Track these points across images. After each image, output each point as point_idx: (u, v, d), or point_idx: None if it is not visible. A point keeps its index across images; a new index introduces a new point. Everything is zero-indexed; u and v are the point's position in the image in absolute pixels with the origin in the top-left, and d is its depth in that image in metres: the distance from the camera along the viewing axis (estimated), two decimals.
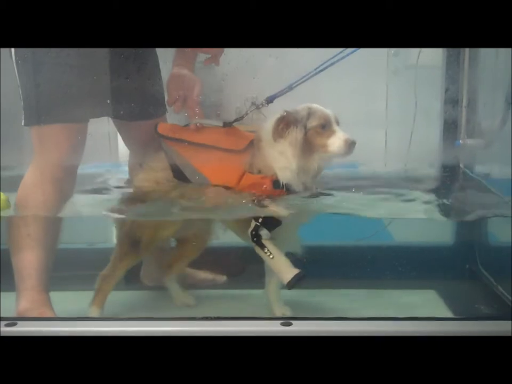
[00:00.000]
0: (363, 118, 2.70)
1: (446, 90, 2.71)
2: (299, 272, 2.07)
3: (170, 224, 2.32)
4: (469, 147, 2.71)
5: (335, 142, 2.08)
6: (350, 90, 2.70)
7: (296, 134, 2.10)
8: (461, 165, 2.73)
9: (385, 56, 2.86)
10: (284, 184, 2.12)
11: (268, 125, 2.16)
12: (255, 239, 2.13)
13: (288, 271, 2.08)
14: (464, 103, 2.67)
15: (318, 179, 2.19)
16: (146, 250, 2.34)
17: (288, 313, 2.27)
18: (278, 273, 2.12)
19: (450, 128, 2.75)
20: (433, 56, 2.81)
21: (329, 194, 2.23)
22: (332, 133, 2.10)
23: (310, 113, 2.12)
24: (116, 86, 2.21)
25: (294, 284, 2.06)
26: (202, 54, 2.34)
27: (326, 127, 2.10)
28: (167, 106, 2.36)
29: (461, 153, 2.74)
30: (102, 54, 2.16)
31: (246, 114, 2.24)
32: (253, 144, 2.18)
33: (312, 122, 2.10)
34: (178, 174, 2.19)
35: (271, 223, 2.13)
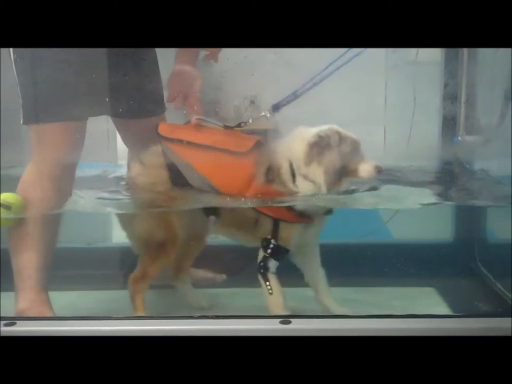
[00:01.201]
0: (362, 114, 2.70)
1: (445, 86, 2.71)
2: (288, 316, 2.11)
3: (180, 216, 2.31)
4: (468, 143, 2.70)
5: (366, 168, 2.10)
6: (348, 86, 2.70)
7: (333, 160, 2.09)
8: (461, 160, 2.73)
9: (384, 52, 2.86)
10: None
11: (292, 141, 2.15)
12: (261, 270, 2.17)
13: (279, 309, 2.17)
14: (463, 99, 2.67)
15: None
16: (174, 248, 2.31)
17: (350, 312, 2.26)
18: (269, 305, 2.18)
19: (449, 125, 2.74)
20: (432, 53, 2.80)
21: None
22: (361, 158, 2.12)
23: (341, 138, 2.12)
24: (114, 83, 2.21)
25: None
26: (202, 51, 2.33)
27: (355, 152, 2.12)
28: (166, 104, 2.36)
29: (460, 149, 2.74)
30: (100, 52, 2.15)
31: (250, 121, 2.23)
32: (258, 146, 2.16)
33: (345, 148, 2.10)
34: (176, 178, 2.18)
35: (280, 252, 2.17)
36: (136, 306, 2.28)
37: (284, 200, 2.13)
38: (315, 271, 2.33)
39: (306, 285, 2.33)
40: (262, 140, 2.21)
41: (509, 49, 2.27)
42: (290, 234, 2.19)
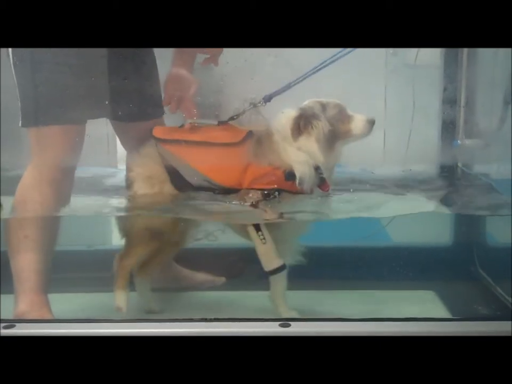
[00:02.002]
0: None
1: (444, 90, 2.71)
2: (283, 265, 2.16)
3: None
4: (467, 147, 2.71)
5: (358, 125, 2.15)
6: (348, 89, 2.70)
7: (321, 127, 2.12)
8: (460, 165, 2.73)
9: (384, 55, 2.86)
10: (296, 177, 2.13)
11: (281, 121, 2.18)
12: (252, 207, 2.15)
13: (274, 261, 2.15)
14: (463, 102, 2.67)
15: (332, 177, 2.21)
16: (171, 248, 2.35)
17: (296, 315, 2.25)
18: (263, 258, 2.16)
19: (448, 128, 2.74)
20: (431, 56, 2.81)
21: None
22: (350, 117, 2.16)
23: (323, 105, 2.16)
24: (113, 87, 2.21)
25: (275, 272, 2.15)
26: (201, 55, 2.33)
27: (342, 113, 2.16)
28: (165, 107, 2.36)
29: (460, 153, 2.74)
30: (99, 54, 2.15)
31: (243, 112, 2.24)
32: (250, 136, 2.17)
33: (330, 112, 2.15)
34: (176, 180, 2.19)
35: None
36: (118, 283, 2.29)
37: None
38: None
39: (305, 287, 2.33)
40: (254, 131, 2.21)
41: (508, 53, 2.28)
42: (290, 201, 2.19)
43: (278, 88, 2.28)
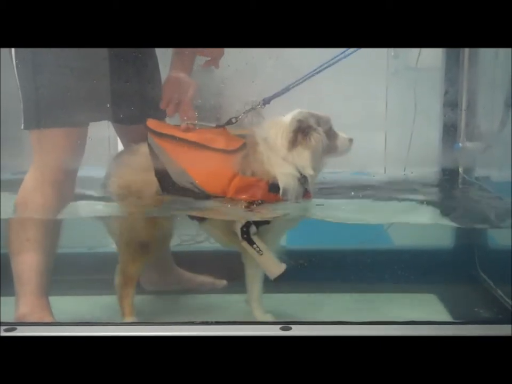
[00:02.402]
0: (363, 120, 2.70)
1: (446, 92, 2.71)
2: (284, 270, 2.15)
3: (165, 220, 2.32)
4: (469, 150, 2.70)
5: (343, 143, 2.19)
6: (349, 92, 2.70)
7: (319, 140, 2.12)
8: (461, 171, 2.73)
9: (385, 58, 2.86)
10: (280, 189, 2.11)
11: (268, 130, 2.15)
12: (245, 235, 2.15)
13: (277, 267, 2.15)
14: (464, 105, 2.67)
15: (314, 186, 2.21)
16: (158, 250, 2.33)
17: (271, 319, 2.26)
18: (265, 267, 2.17)
19: (449, 131, 2.74)
20: (432, 58, 2.81)
21: (321, 204, 2.26)
22: (336, 134, 2.19)
23: (317, 118, 2.15)
24: (115, 89, 2.21)
25: (279, 278, 2.15)
26: (201, 57, 2.33)
27: (330, 130, 2.17)
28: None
29: (461, 156, 2.74)
30: (101, 57, 2.15)
31: (242, 115, 2.24)
32: (245, 147, 2.16)
33: (324, 127, 2.15)
34: (161, 173, 2.17)
35: (261, 221, 2.16)
36: (125, 311, 2.28)
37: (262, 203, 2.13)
38: (258, 272, 2.29)
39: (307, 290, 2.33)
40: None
41: (509, 56, 2.28)
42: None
43: (278, 90, 2.28)
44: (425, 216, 2.31)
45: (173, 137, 2.18)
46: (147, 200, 2.20)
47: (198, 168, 2.15)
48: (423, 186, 2.57)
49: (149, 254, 2.31)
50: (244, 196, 2.11)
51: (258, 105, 2.24)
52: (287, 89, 2.25)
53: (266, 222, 2.17)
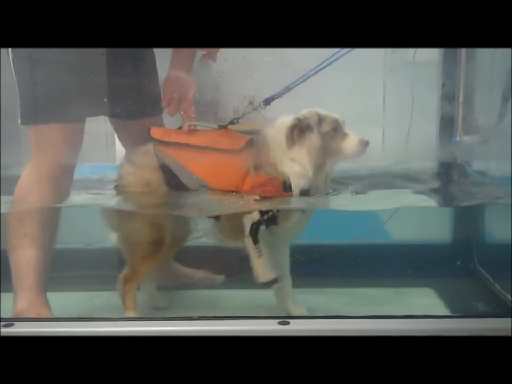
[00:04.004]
0: (360, 115, 2.70)
1: (443, 86, 2.71)
2: (276, 278, 2.17)
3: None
4: (466, 143, 2.70)
5: (350, 144, 2.12)
6: (347, 87, 2.70)
7: (313, 140, 2.11)
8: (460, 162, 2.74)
9: (382, 53, 2.86)
10: (293, 187, 2.12)
11: (276, 129, 2.16)
12: (253, 232, 2.15)
13: (267, 273, 2.16)
14: (461, 99, 2.67)
15: (329, 182, 2.20)
16: (164, 247, 2.30)
17: (305, 313, 2.28)
18: (257, 270, 2.16)
19: (447, 125, 2.74)
20: (430, 53, 2.80)
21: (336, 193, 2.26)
22: (344, 135, 2.13)
23: (321, 118, 2.13)
24: (112, 84, 2.21)
25: (267, 285, 2.17)
26: (199, 52, 2.33)
27: (337, 130, 2.13)
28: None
29: (458, 149, 2.74)
30: (98, 52, 2.15)
31: (243, 116, 2.23)
32: (251, 144, 2.16)
33: (325, 127, 2.12)
34: (171, 178, 2.17)
35: (273, 221, 2.16)
36: (127, 306, 2.27)
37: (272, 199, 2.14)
38: (283, 271, 2.31)
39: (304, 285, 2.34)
40: (254, 138, 2.20)
41: (506, 50, 2.27)
42: (288, 216, 2.19)
43: (277, 87, 2.27)
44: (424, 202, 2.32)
45: (179, 144, 2.18)
46: (160, 200, 2.21)
47: (208, 170, 2.16)
48: (421, 177, 2.57)
49: (160, 255, 2.29)
50: (259, 193, 2.13)
51: (259, 105, 2.23)
52: (287, 89, 2.24)
53: (275, 223, 2.17)
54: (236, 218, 2.19)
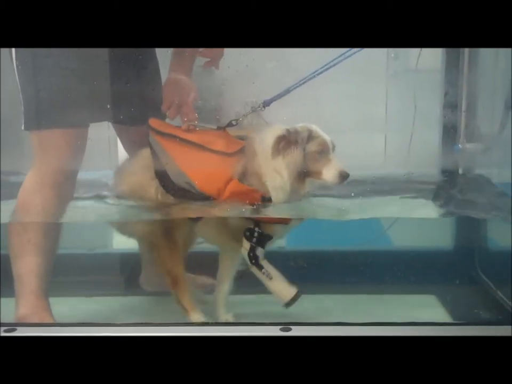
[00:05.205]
0: (362, 122, 2.70)
1: (446, 94, 2.71)
2: (297, 292, 2.13)
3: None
4: (468, 151, 2.70)
5: (330, 172, 2.07)
6: (349, 94, 2.70)
7: (295, 156, 2.08)
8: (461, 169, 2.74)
9: (385, 59, 2.86)
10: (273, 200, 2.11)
11: (265, 138, 2.14)
12: (253, 261, 2.15)
13: (287, 292, 2.13)
14: (464, 107, 2.67)
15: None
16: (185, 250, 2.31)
17: (232, 319, 2.27)
18: (276, 292, 2.15)
19: (449, 132, 2.74)
20: (432, 60, 2.81)
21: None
22: (328, 161, 2.08)
23: (310, 136, 2.10)
24: (116, 90, 2.21)
25: (292, 303, 2.13)
26: (201, 58, 2.34)
27: (323, 153, 2.09)
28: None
29: (461, 157, 2.74)
30: (102, 58, 2.16)
31: (243, 118, 2.23)
32: (243, 151, 2.16)
33: (312, 147, 2.09)
34: (160, 173, 2.17)
35: (264, 239, 2.16)
36: (188, 309, 2.24)
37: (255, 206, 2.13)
38: (230, 271, 2.32)
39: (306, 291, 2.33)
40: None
41: (509, 58, 2.28)
42: (273, 229, 2.18)
43: (278, 92, 2.27)
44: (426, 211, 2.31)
45: (174, 137, 2.18)
46: (153, 202, 2.20)
47: (195, 168, 2.15)
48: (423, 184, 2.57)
49: (180, 251, 2.28)
50: (237, 200, 2.11)
51: (258, 107, 2.23)
52: (287, 91, 2.24)
53: (270, 238, 2.16)
54: (216, 221, 2.19)
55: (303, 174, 2.09)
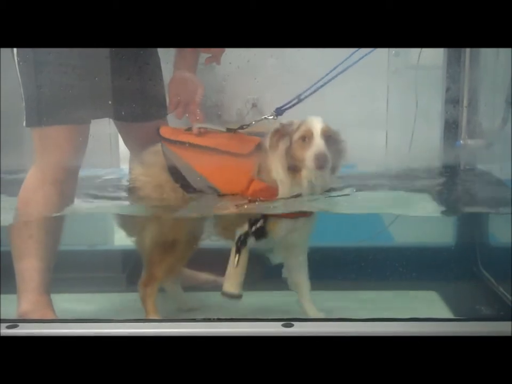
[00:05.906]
0: (364, 118, 2.70)
1: (447, 90, 2.72)
2: (238, 295, 2.17)
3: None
4: (470, 147, 2.71)
5: (308, 156, 2.01)
6: (350, 91, 2.70)
7: (284, 147, 2.07)
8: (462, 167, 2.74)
9: (386, 56, 2.86)
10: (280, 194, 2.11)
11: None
12: (239, 243, 2.15)
13: (233, 287, 2.17)
14: (465, 103, 2.67)
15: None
16: (180, 248, 2.29)
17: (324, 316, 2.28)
18: (226, 279, 2.18)
19: (451, 128, 2.74)
20: (434, 56, 2.81)
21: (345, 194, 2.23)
22: (309, 146, 2.02)
23: (300, 125, 2.07)
24: (117, 87, 2.21)
25: (227, 297, 2.16)
26: (203, 55, 2.33)
27: (306, 139, 2.04)
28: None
29: (462, 153, 2.74)
30: (103, 55, 2.16)
31: (252, 123, 2.22)
32: (259, 149, 2.16)
33: (296, 135, 2.06)
34: (178, 177, 2.17)
35: (262, 234, 2.15)
36: (148, 310, 2.27)
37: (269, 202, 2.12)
38: (301, 273, 2.30)
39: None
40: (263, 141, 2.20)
41: (509, 53, 2.28)
42: (276, 227, 2.17)
43: (280, 89, 2.28)
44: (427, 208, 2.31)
45: (187, 144, 2.18)
46: (172, 201, 2.21)
47: (215, 172, 2.15)
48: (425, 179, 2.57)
49: (175, 254, 2.28)
50: (260, 197, 2.12)
51: (270, 116, 2.20)
52: (299, 100, 2.20)
53: (266, 236, 2.16)
54: (233, 218, 2.19)
55: (293, 163, 2.06)
